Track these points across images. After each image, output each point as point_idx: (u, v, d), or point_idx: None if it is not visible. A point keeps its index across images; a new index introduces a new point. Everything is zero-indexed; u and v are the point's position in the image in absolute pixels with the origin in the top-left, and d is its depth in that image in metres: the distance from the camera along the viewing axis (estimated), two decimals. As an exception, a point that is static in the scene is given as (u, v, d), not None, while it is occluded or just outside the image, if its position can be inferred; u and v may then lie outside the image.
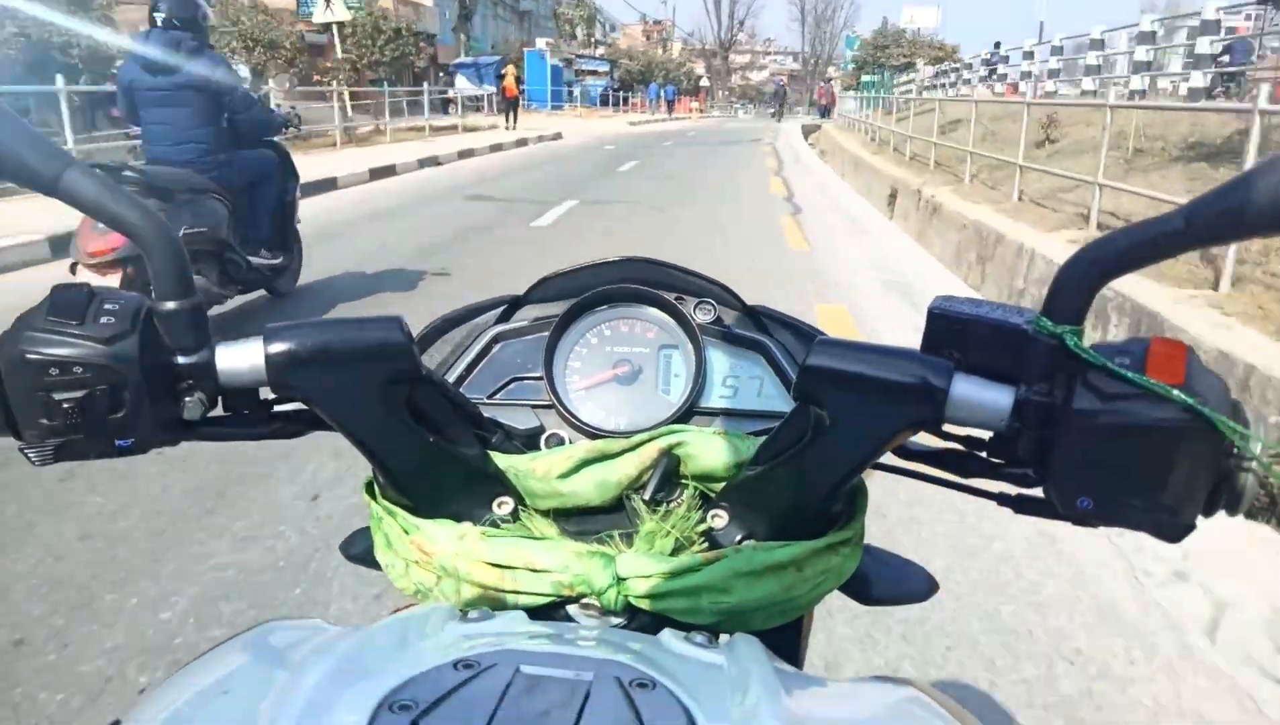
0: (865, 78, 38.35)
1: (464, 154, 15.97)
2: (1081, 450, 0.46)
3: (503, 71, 27.14)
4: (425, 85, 23.21)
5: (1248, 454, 0.44)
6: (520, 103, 26.12)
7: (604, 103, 43.47)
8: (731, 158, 18.73)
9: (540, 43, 46.05)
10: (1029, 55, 18.01)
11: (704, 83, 67.86)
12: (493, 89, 31.07)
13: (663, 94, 47.15)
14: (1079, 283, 0.46)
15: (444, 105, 26.81)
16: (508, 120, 24.34)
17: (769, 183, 13.75)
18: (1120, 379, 0.44)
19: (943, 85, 21.64)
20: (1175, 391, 0.43)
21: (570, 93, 45.44)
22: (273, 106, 6.12)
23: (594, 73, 50.47)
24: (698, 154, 19.51)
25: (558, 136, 22.71)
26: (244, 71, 14.77)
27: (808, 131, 30.25)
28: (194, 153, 4.59)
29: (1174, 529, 0.47)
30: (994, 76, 20.62)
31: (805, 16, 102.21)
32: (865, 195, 12.50)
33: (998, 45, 22.32)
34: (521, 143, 20.09)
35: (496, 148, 18.10)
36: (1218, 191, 0.41)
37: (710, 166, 16.18)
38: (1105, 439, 0.45)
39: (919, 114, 14.64)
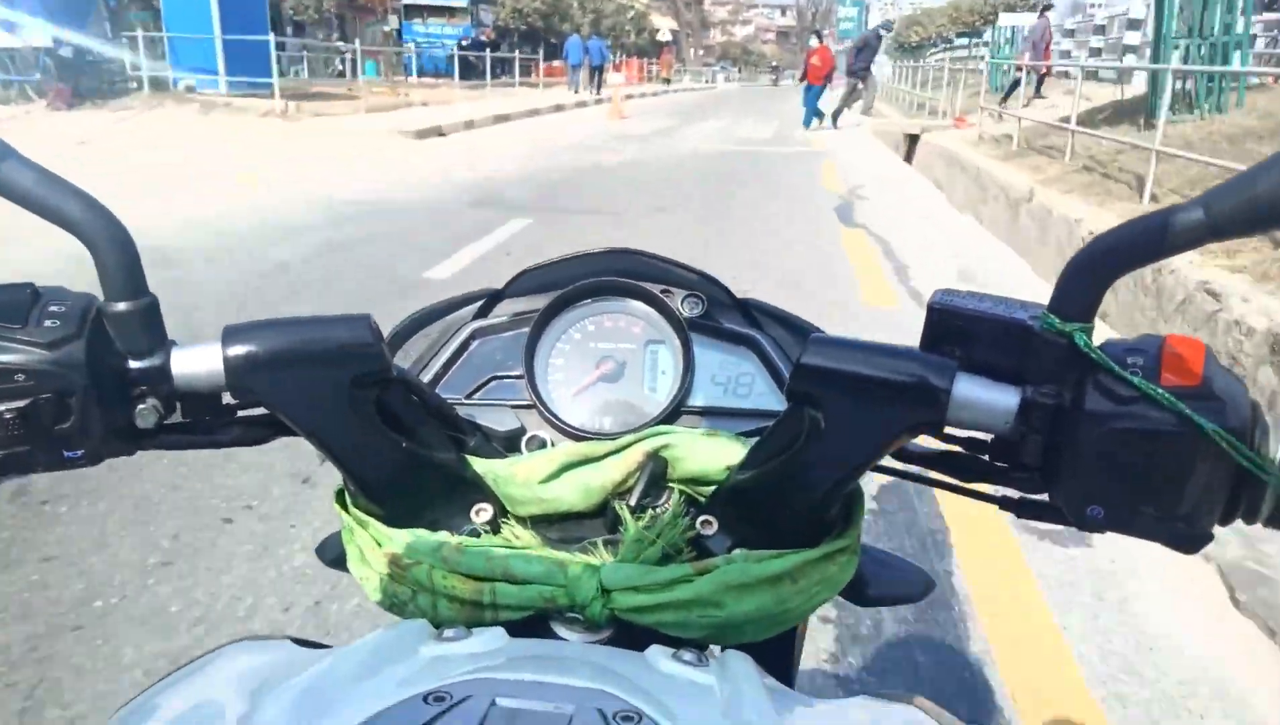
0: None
1: None
2: (1092, 455, 0.43)
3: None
4: None
5: (1265, 467, 0.41)
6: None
7: (466, 72, 23.66)
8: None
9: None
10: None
11: (663, 37, 48.56)
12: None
13: (586, 57, 27.97)
14: (1090, 277, 0.43)
15: None
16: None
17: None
18: (1128, 384, 0.42)
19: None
20: (1181, 404, 0.41)
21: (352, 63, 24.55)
22: None
23: (429, 8, 30.55)
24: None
25: None
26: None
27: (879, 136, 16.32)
28: None
29: (1190, 539, 0.44)
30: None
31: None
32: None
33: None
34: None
35: None
36: (1238, 179, 0.38)
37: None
38: (1117, 444, 0.43)
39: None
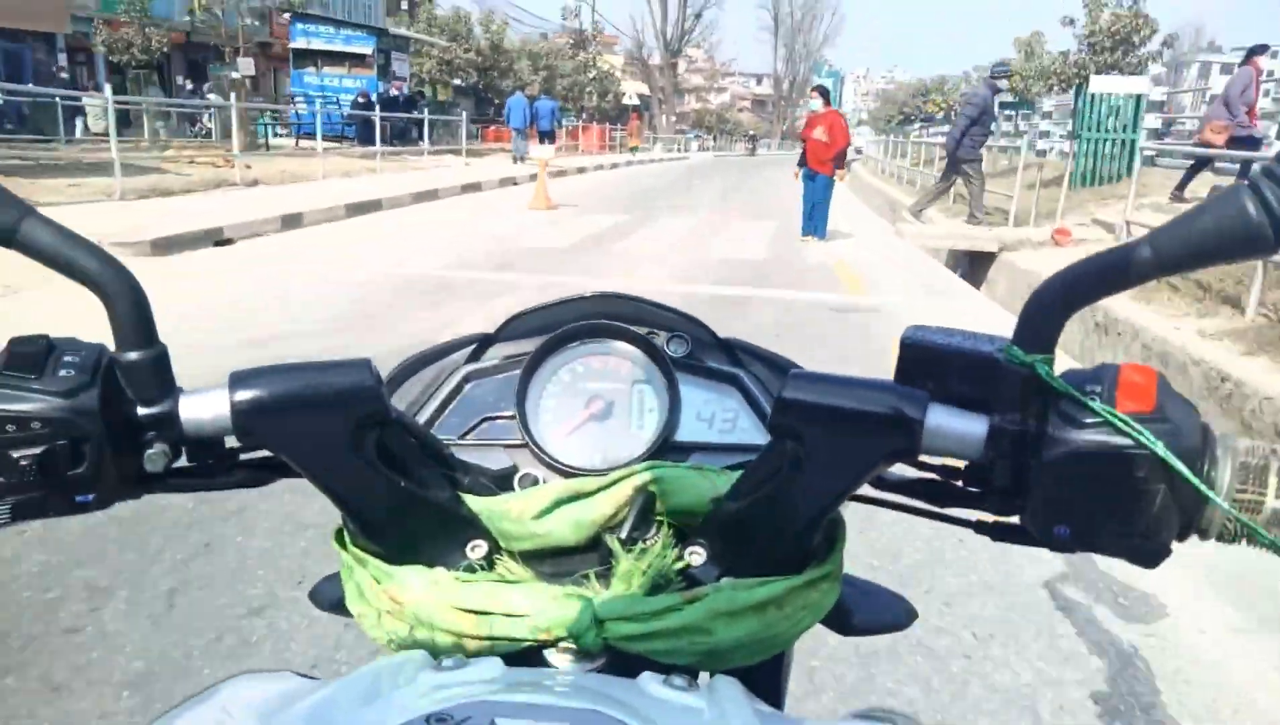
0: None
1: None
2: (1055, 478, 0.46)
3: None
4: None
5: (1208, 494, 0.44)
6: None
7: (381, 137, 17.74)
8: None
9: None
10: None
11: (630, 100, 43.52)
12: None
13: (531, 117, 22.38)
14: (1049, 310, 0.46)
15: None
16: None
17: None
18: (1088, 409, 0.45)
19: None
20: (1138, 426, 0.44)
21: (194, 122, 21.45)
22: None
23: (323, 55, 24.63)
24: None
25: None
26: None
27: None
28: None
29: (1150, 555, 0.47)
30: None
31: (779, 25, 78.76)
32: None
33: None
34: None
35: None
36: (1180, 220, 0.42)
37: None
38: (1078, 467, 0.45)
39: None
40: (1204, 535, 0.46)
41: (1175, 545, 0.47)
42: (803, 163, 10.29)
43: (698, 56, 73.77)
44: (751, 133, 65.18)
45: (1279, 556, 0.45)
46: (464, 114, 24.20)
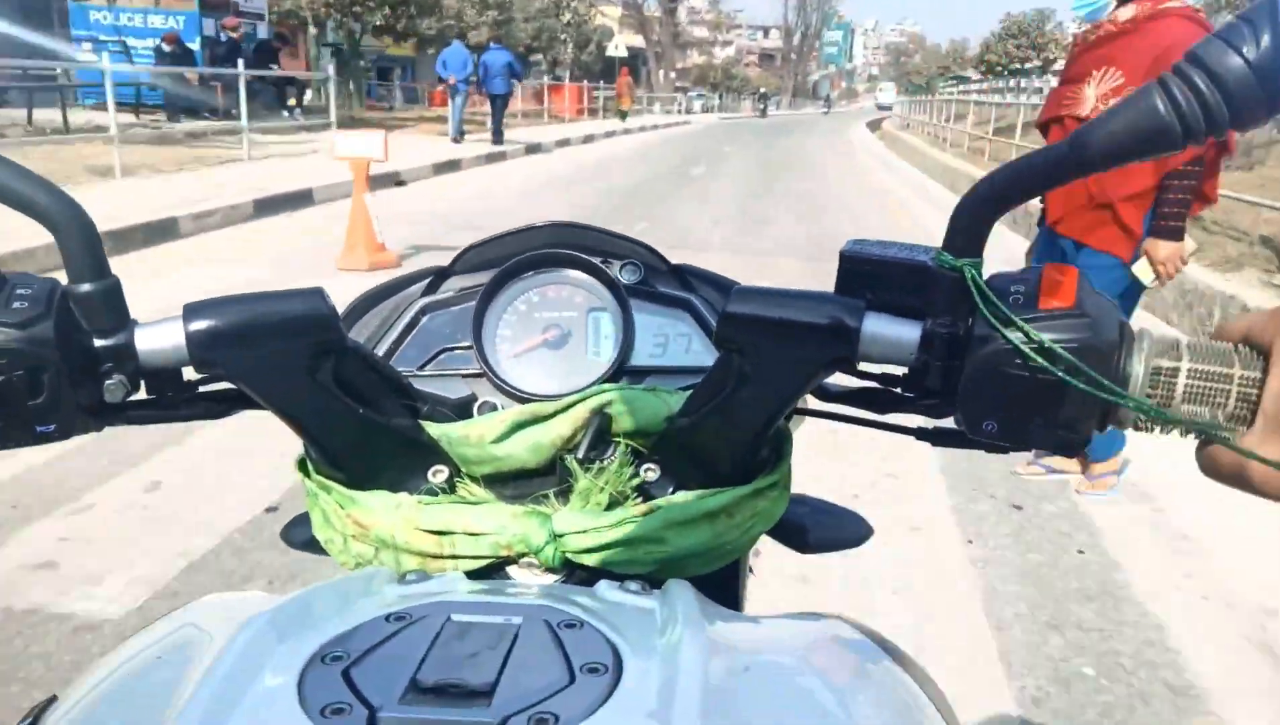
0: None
1: None
2: (983, 375, 0.48)
3: None
4: None
5: (1120, 396, 0.46)
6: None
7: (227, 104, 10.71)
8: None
9: None
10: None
11: (617, 52, 35.35)
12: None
13: (475, 72, 15.08)
14: (976, 216, 0.48)
15: None
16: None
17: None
18: (1003, 318, 0.47)
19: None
20: (1060, 324, 0.46)
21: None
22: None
23: None
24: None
25: None
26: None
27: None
28: None
29: (1072, 444, 0.49)
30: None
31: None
32: None
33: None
34: None
35: None
36: (1098, 119, 0.43)
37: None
38: (1003, 363, 0.47)
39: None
40: (1120, 426, 0.48)
41: (1095, 434, 0.49)
42: (1042, 221, 3.11)
43: (700, 6, 65.46)
44: (762, 90, 57.22)
45: (1192, 437, 0.46)
46: (394, 73, 16.59)
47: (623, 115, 27.61)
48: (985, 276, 0.48)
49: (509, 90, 15.70)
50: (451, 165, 12.16)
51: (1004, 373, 0.47)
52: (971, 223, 0.48)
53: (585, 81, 31.02)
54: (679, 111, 41.98)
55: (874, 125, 35.51)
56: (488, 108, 15.54)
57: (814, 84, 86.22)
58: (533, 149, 15.61)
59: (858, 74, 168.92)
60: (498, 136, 14.91)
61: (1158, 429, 0.48)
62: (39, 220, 0.50)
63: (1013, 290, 0.48)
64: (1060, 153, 0.44)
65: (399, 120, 19.00)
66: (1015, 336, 0.46)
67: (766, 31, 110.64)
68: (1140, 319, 4.23)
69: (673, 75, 48.64)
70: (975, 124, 17.27)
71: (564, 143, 17.76)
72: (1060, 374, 0.45)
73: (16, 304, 0.49)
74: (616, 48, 34.91)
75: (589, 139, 19.36)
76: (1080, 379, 0.45)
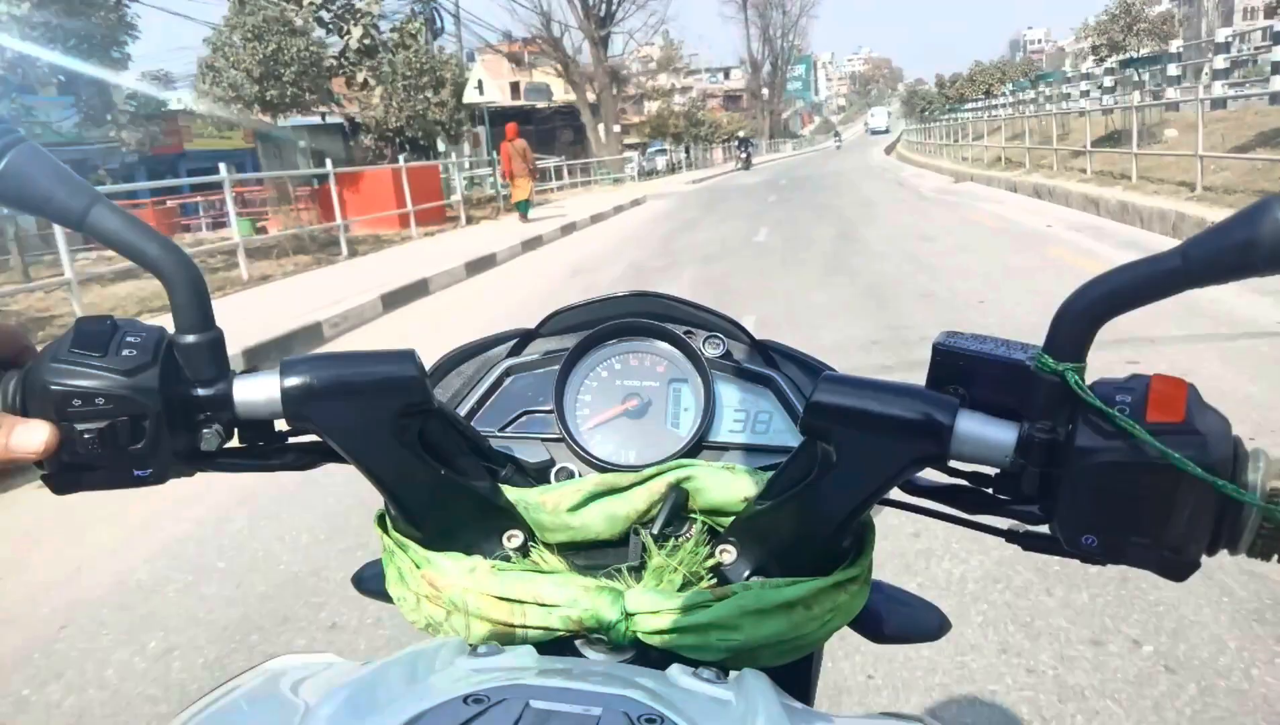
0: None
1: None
2: (1084, 487, 0.47)
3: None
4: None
5: (1244, 500, 0.45)
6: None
7: None
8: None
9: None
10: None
11: (475, 96, 20.90)
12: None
13: None
14: (1079, 320, 0.47)
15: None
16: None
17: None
18: (1112, 423, 0.46)
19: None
20: (1168, 441, 0.44)
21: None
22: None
23: None
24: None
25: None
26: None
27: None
28: None
29: (1179, 567, 0.48)
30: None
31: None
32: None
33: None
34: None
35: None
36: (1215, 229, 0.43)
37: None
38: (1107, 476, 0.46)
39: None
40: (1234, 548, 0.46)
41: (1204, 559, 0.48)
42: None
43: (652, 55, 53.95)
44: (740, 134, 45.86)
45: None
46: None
47: (524, 210, 15.54)
48: (1088, 382, 0.47)
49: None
50: None
51: (1108, 487, 0.46)
52: (1075, 327, 0.47)
53: (407, 158, 15.83)
54: (634, 177, 30.13)
55: (890, 150, 25.72)
56: None
57: (786, 121, 75.00)
58: None
59: (824, 106, 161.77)
60: None
61: (1276, 557, 0.45)
62: (150, 270, 0.53)
63: (1119, 400, 0.46)
64: (1172, 264, 0.43)
65: None
66: (1123, 448, 0.45)
67: (728, 72, 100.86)
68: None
69: (616, 129, 36.70)
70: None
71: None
72: (1172, 491, 0.44)
73: (126, 352, 0.51)
74: (480, 89, 19.03)
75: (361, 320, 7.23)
76: (1195, 497, 0.44)
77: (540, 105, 41.96)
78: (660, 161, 39.58)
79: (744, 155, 38.70)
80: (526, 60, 40.35)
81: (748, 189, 23.77)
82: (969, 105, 35.26)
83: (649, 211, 18.67)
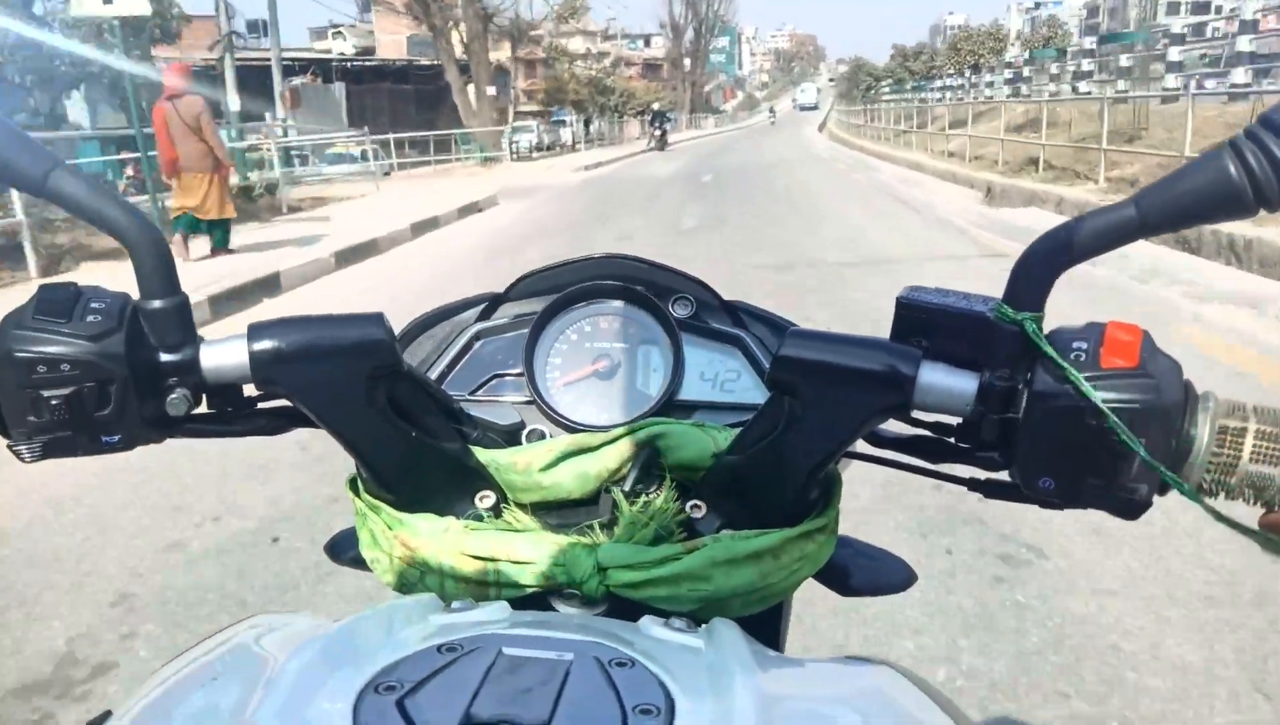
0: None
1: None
2: (1042, 433, 0.49)
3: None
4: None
5: (1189, 450, 0.47)
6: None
7: None
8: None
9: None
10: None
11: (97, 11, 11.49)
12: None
13: None
14: (1038, 271, 0.49)
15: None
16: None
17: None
18: (1064, 376, 0.47)
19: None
20: (1124, 382, 0.46)
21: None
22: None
23: None
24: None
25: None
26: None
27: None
28: None
29: (1131, 507, 0.50)
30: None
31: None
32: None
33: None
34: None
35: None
36: (1165, 180, 0.45)
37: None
38: (1062, 421, 0.48)
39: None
40: (1182, 488, 0.49)
41: (1156, 498, 0.49)
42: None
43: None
44: (656, 107, 38.52)
45: (1257, 506, 0.46)
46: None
47: (219, 240, 8.06)
48: (1046, 331, 0.49)
49: None
50: None
51: (1063, 431, 0.48)
52: (1034, 277, 0.49)
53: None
54: (514, 156, 22.63)
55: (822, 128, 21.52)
56: None
57: (708, 94, 67.96)
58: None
59: (748, 82, 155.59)
60: None
61: (1223, 493, 0.48)
62: (112, 235, 0.53)
63: (1075, 347, 0.48)
64: (1126, 214, 0.46)
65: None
66: (1077, 394, 0.47)
67: (648, 40, 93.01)
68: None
69: (491, 92, 28.64)
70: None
71: None
72: (1123, 438, 0.46)
73: (91, 318, 0.51)
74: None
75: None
76: (1146, 440, 0.46)
77: (425, 61, 34.01)
78: (564, 135, 32.11)
79: (658, 132, 32.97)
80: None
81: (658, 184, 17.02)
82: (937, 83, 29.24)
83: (480, 231, 11.10)
